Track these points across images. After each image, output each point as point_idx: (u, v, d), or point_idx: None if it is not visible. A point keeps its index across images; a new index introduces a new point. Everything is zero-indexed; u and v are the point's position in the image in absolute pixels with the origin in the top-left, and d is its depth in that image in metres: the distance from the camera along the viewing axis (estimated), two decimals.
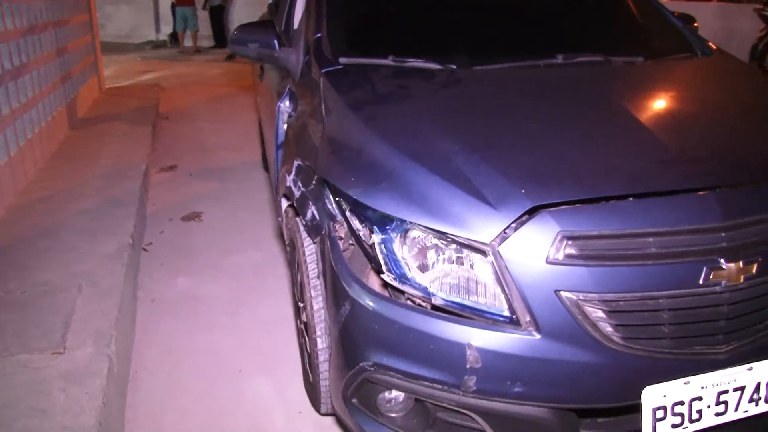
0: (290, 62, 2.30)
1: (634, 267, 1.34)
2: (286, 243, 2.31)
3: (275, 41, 2.33)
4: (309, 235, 1.76)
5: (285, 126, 2.27)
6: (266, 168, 4.33)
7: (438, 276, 1.41)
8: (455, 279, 1.39)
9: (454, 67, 2.06)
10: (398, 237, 1.44)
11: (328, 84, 1.94)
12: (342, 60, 2.08)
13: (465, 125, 1.69)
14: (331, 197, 1.65)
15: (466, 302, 1.37)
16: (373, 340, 1.43)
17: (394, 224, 1.45)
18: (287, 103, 2.27)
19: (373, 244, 1.47)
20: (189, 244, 3.37)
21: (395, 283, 1.42)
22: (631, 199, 1.40)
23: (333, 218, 1.60)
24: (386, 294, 1.49)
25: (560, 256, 1.32)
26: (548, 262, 1.32)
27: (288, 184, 1.94)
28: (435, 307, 1.40)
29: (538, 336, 1.31)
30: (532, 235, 1.34)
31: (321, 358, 1.75)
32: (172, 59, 10.70)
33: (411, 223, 1.43)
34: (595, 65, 2.19)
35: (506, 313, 1.35)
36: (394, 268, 1.43)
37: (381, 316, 1.41)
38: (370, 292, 1.46)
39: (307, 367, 1.98)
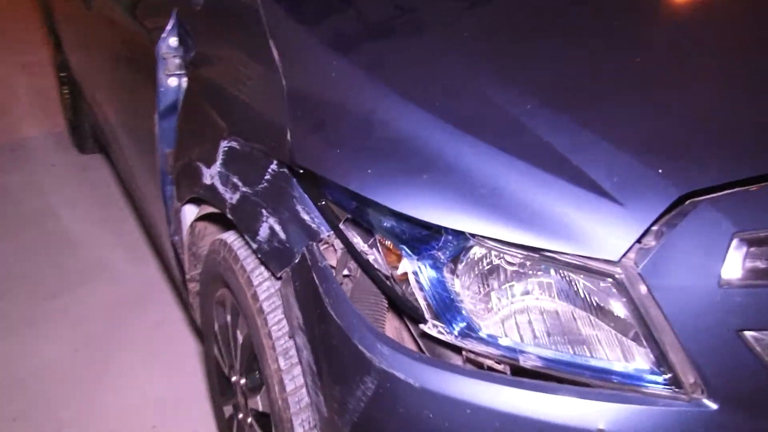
0: None
1: None
2: (188, 279, 1.64)
3: None
4: (266, 267, 1.18)
5: (173, 81, 1.51)
6: (83, 145, 3.39)
7: (526, 321, 0.94)
8: (558, 324, 0.92)
9: None
10: (451, 261, 0.96)
11: (279, 11, 1.23)
12: None
13: (521, 68, 1.11)
14: (307, 200, 1.10)
15: (585, 360, 0.91)
16: None
17: (443, 241, 0.96)
18: (173, 43, 1.49)
19: (403, 274, 0.98)
20: None
21: (449, 338, 0.94)
22: None
23: (315, 235, 1.08)
24: (437, 358, 1.01)
25: (739, 272, 0.87)
26: (722, 284, 0.86)
27: (206, 180, 1.30)
28: (522, 372, 0.93)
29: (713, 406, 0.87)
30: (689, 241, 0.88)
31: None
32: None
33: (477, 237, 0.93)
34: None
35: (656, 372, 0.90)
36: (447, 312, 0.95)
37: (440, 396, 0.92)
38: (415, 357, 0.96)
39: None
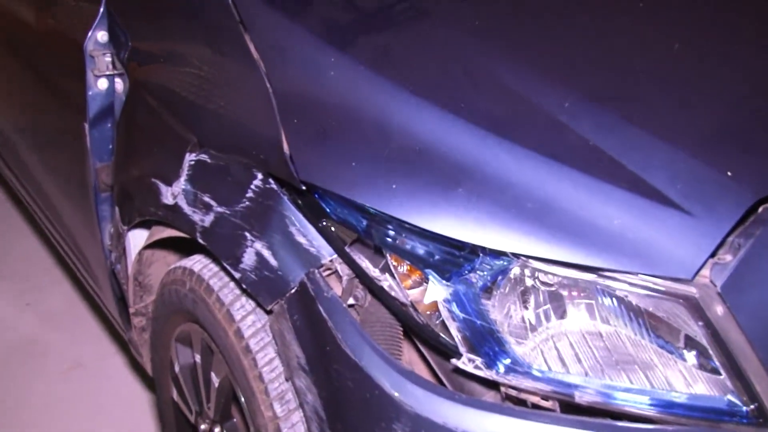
0: None
1: None
2: (133, 314, 1.45)
3: None
4: (253, 299, 1.04)
5: (104, 83, 1.33)
6: None
7: (575, 351, 0.84)
8: (615, 354, 0.83)
9: None
10: (487, 286, 0.87)
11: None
12: None
13: (550, 58, 1.02)
14: (302, 220, 0.97)
15: (656, 394, 0.81)
16: None
17: (479, 262, 0.85)
18: (102, 38, 1.32)
19: (431, 303, 0.88)
20: None
21: (489, 374, 0.83)
22: None
23: (315, 261, 0.95)
24: (481, 399, 0.90)
25: None
26: None
27: (166, 200, 1.14)
28: (573, 408, 0.83)
29: None
30: None
31: None
32: None
33: (522, 258, 0.83)
34: None
35: (737, 404, 0.81)
36: (484, 344, 0.85)
37: None
38: (456, 398, 0.85)
39: None
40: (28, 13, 1.67)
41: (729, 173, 0.83)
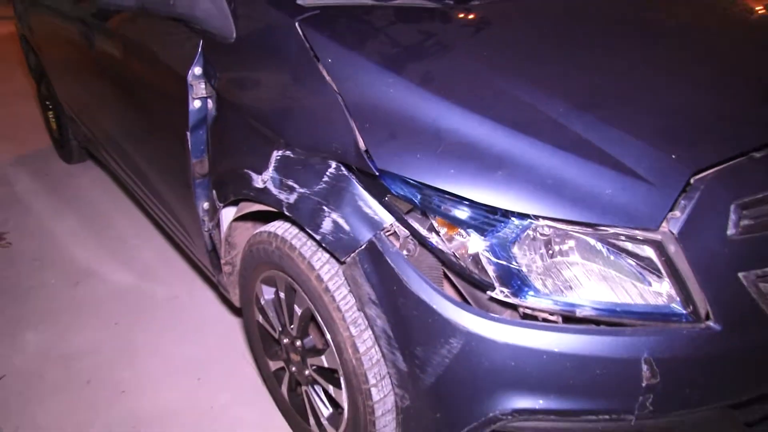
0: (204, 13, 1.59)
1: None
2: (224, 263, 1.81)
3: None
4: (330, 253, 1.32)
5: (198, 103, 1.63)
6: (68, 157, 3.80)
7: (578, 281, 1.10)
8: (603, 281, 1.10)
9: (450, 2, 1.59)
10: (518, 239, 1.11)
11: (320, 37, 1.36)
12: (301, 2, 1.48)
13: (545, 77, 1.27)
14: (367, 196, 1.22)
15: (631, 306, 1.09)
16: (510, 380, 1.10)
17: (509, 223, 1.10)
18: (198, 72, 1.62)
19: (474, 253, 1.12)
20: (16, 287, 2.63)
21: (515, 300, 1.09)
22: None
23: (378, 225, 1.21)
24: (508, 316, 1.16)
25: (738, 229, 1.09)
26: (728, 240, 1.08)
27: (257, 184, 1.43)
28: (577, 320, 1.10)
29: (718, 328, 1.08)
30: (704, 210, 1.08)
31: (379, 412, 1.33)
32: None
33: (540, 218, 1.09)
34: None
35: (682, 309, 1.09)
36: (512, 280, 1.10)
37: (520, 348, 1.08)
38: (496, 319, 1.10)
39: (330, 427, 1.57)
40: (132, 54, 2.03)
41: (673, 156, 1.08)
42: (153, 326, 2.38)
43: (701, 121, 1.19)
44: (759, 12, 1.73)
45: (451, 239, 1.15)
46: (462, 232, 1.14)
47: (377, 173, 1.17)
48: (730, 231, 1.07)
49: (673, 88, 1.28)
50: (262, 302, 1.68)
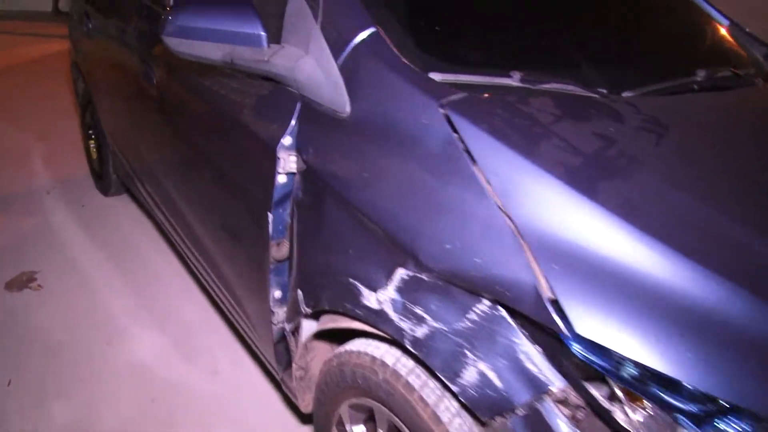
0: (308, 79, 1.33)
1: None
2: (296, 368, 1.56)
3: (262, 34, 1.34)
4: (471, 411, 1.04)
5: (283, 178, 1.39)
6: (106, 189, 3.60)
7: None
8: None
9: (605, 92, 1.34)
10: None
11: (474, 130, 1.05)
12: (434, 76, 1.20)
13: (724, 194, 1.06)
14: (530, 352, 0.96)
15: None
16: None
17: (728, 418, 0.84)
18: (288, 142, 1.37)
19: None
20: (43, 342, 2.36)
21: None
22: None
23: (543, 386, 0.95)
24: None
25: None
26: None
27: (369, 303, 1.15)
28: None
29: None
30: None
31: None
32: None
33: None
34: (746, 87, 1.64)
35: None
36: None
37: None
38: None
39: None
40: (218, 105, 1.71)
41: None
42: (193, 408, 2.11)
43: None
44: None
45: (634, 410, 0.90)
46: (659, 413, 0.88)
47: (570, 337, 0.90)
48: None
49: None
50: (347, 428, 1.43)
